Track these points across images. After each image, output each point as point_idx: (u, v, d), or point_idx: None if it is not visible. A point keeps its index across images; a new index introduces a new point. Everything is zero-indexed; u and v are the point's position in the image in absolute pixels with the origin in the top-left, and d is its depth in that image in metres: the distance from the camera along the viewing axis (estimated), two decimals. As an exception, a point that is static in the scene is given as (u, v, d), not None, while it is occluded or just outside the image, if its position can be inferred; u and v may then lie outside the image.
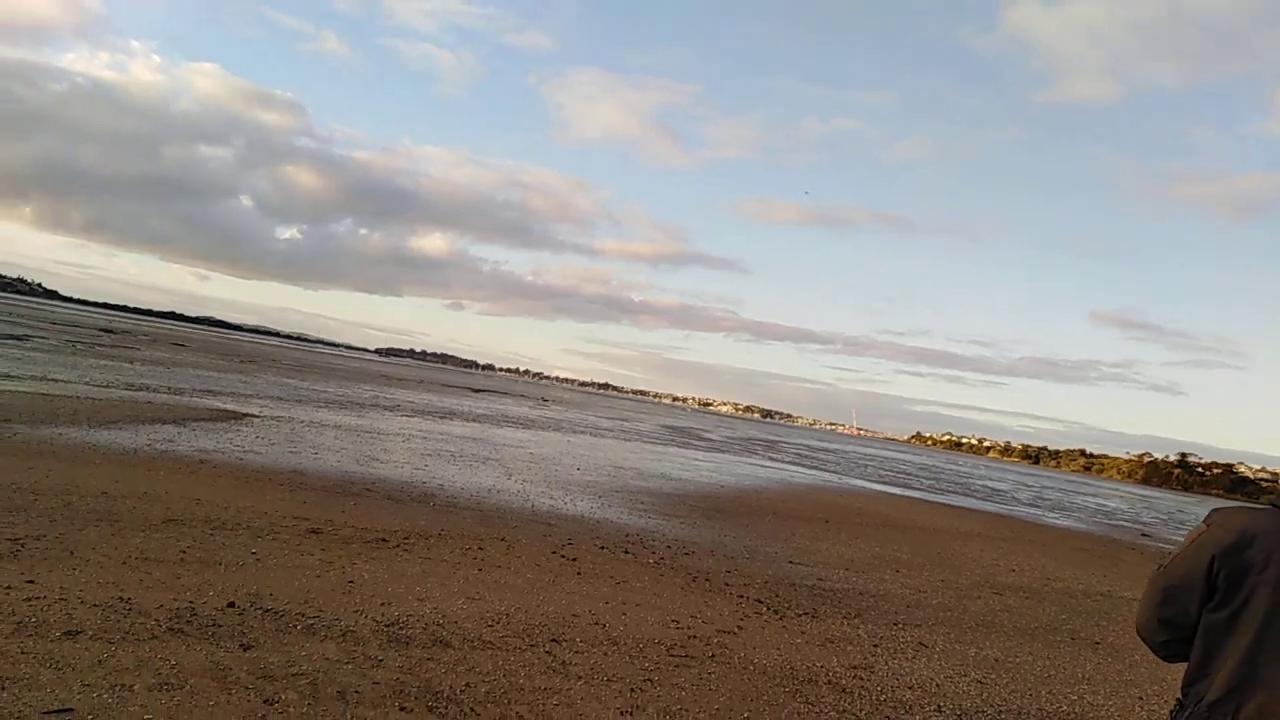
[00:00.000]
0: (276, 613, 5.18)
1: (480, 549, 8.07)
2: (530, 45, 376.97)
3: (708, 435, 55.07)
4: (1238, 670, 1.97)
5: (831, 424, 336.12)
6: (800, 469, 33.80)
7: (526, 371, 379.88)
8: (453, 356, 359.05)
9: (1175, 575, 2.12)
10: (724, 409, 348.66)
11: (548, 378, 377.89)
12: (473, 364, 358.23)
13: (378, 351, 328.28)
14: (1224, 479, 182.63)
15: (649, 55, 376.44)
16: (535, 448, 22.27)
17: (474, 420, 29.71)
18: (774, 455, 41.90)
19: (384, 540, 7.77)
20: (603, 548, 9.29)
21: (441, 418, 28.11)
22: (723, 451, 37.78)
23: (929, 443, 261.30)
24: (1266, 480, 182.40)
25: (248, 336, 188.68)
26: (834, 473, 34.86)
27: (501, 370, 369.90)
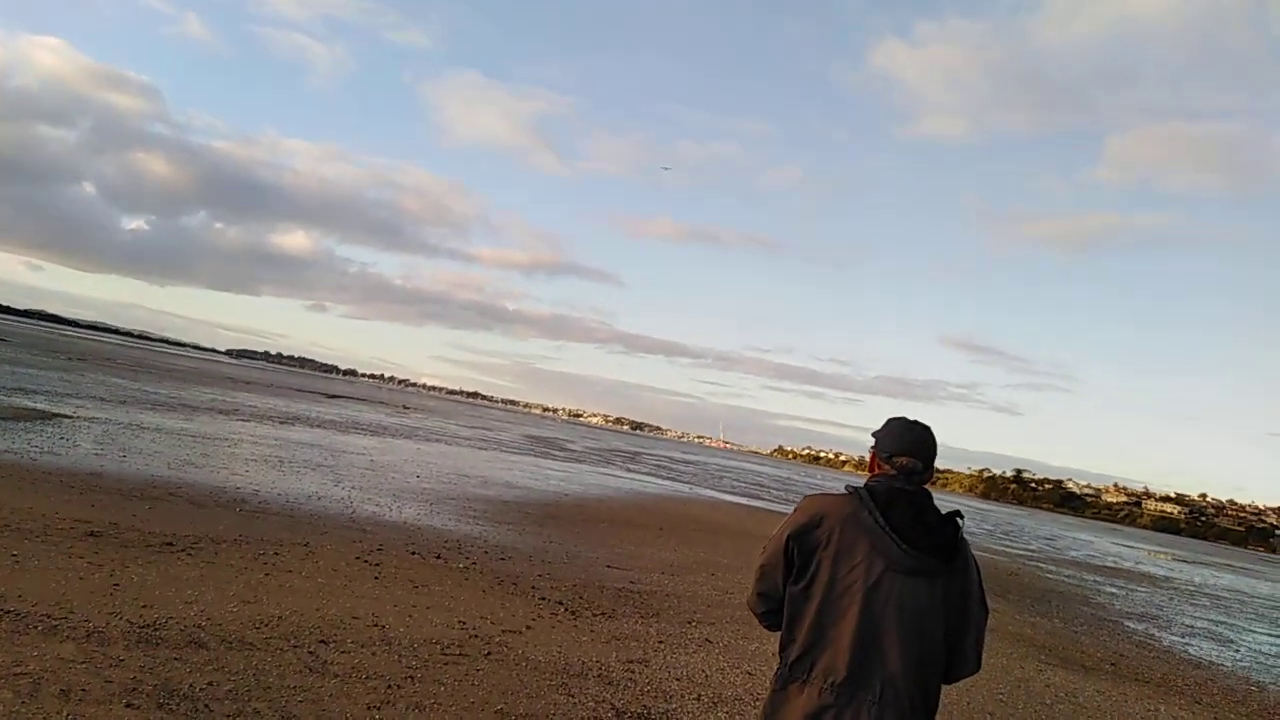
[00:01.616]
0: (18, 614, 4.92)
1: (276, 554, 7.87)
2: (409, 43, 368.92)
3: (570, 446, 55.12)
4: (810, 633, 2.28)
5: (700, 437, 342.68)
6: (655, 480, 34.34)
7: (392, 378, 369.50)
8: (312, 360, 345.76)
9: (766, 556, 2.45)
10: (594, 420, 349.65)
11: (414, 385, 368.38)
12: (333, 369, 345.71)
13: (228, 353, 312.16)
14: (1054, 493, 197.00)
15: (532, 66, 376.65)
16: (379, 455, 21.76)
17: (318, 426, 28.70)
18: (632, 466, 42.38)
19: (169, 545, 7.47)
20: (414, 553, 9.22)
21: (282, 423, 27.03)
22: (580, 462, 37.92)
23: (790, 456, 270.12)
24: (1090, 495, 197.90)
25: (82, 332, 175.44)
26: (687, 484, 35.60)
27: (365, 376, 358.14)
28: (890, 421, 2.52)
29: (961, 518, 2.35)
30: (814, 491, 2.60)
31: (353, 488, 14.17)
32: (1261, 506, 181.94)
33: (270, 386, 62.63)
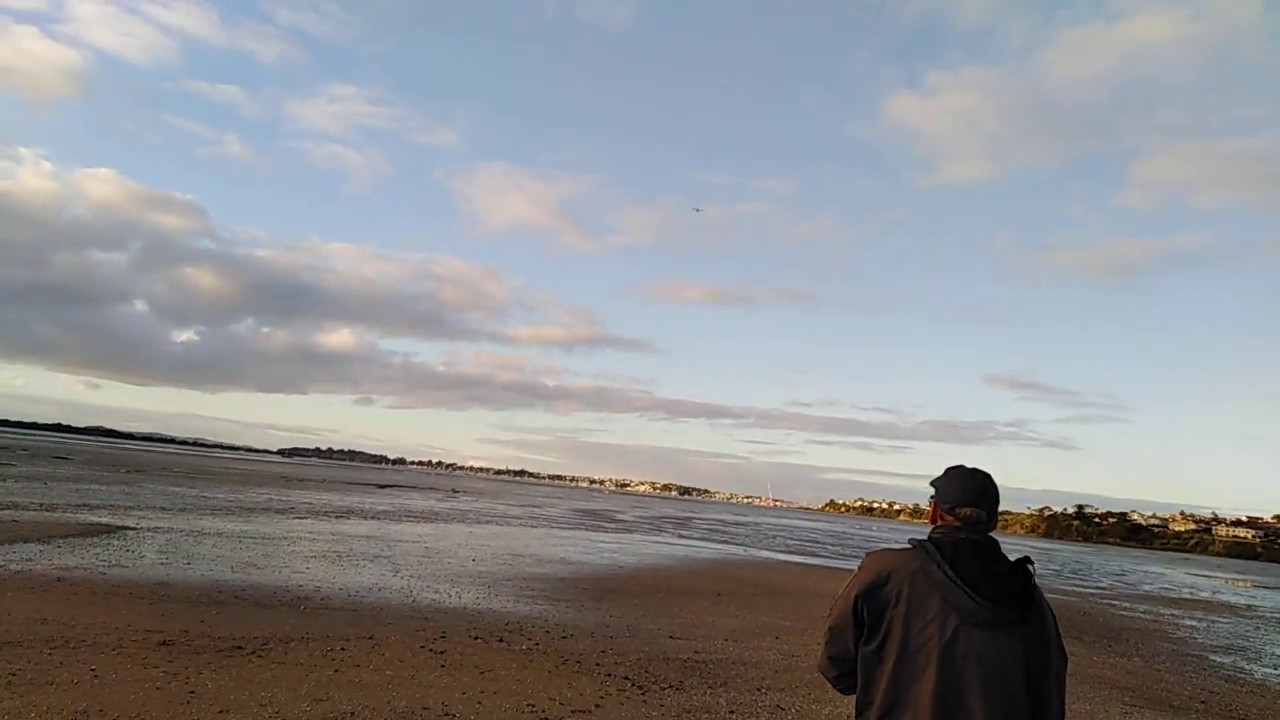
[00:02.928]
0: (103, 730, 5.06)
1: (343, 649, 7.96)
2: (438, 143, 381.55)
3: (620, 516, 54.84)
4: (888, 694, 2.24)
5: (748, 497, 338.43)
6: (708, 544, 33.99)
7: (439, 463, 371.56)
8: (361, 453, 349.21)
9: (835, 618, 2.42)
10: (641, 489, 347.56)
11: (461, 468, 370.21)
12: (382, 459, 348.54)
13: (280, 452, 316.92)
14: (1119, 527, 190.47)
15: (555, 150, 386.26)
16: (432, 541, 21.88)
17: (372, 518, 28.99)
18: (684, 532, 42.01)
19: (239, 648, 7.60)
20: (476, 638, 9.26)
21: (337, 517, 27.35)
22: (631, 532, 37.69)
23: (842, 510, 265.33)
24: (1157, 526, 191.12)
25: (139, 445, 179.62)
26: (741, 545, 35.18)
27: (413, 464, 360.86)
28: (950, 471, 2.49)
29: (1032, 564, 2.32)
30: (874, 547, 2.60)
31: (411, 576, 14.27)
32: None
33: (323, 482, 63.46)
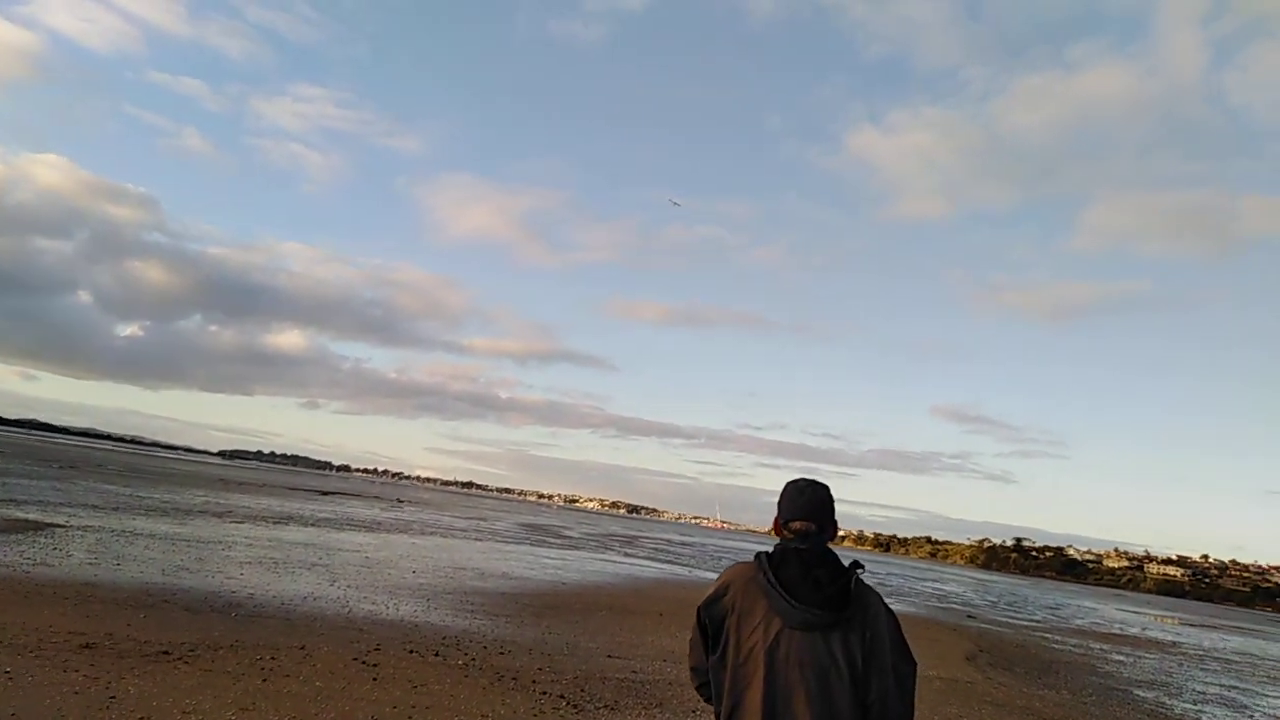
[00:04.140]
0: (15, 735, 4.90)
1: (272, 658, 7.80)
2: (403, 148, 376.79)
3: (566, 532, 54.52)
4: (728, 699, 2.35)
5: (696, 518, 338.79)
6: (653, 564, 33.95)
7: (385, 472, 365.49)
8: (305, 458, 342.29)
9: (691, 632, 2.59)
10: (590, 505, 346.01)
11: (408, 477, 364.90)
12: (327, 465, 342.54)
13: (221, 454, 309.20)
14: (1055, 561, 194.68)
15: (522, 163, 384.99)
16: (373, 551, 21.54)
17: (312, 525, 28.42)
18: (630, 551, 41.90)
19: (166, 653, 7.41)
20: (412, 651, 9.14)
21: (276, 523, 26.78)
22: (577, 549, 37.49)
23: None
24: (1092, 561, 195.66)
25: (74, 440, 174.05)
26: (686, 566, 35.18)
27: (358, 471, 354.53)
28: (786, 486, 2.56)
29: (861, 568, 2.40)
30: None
31: (348, 586, 14.03)
32: (1265, 565, 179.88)
33: (263, 486, 62.10)
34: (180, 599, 10.55)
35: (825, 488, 2.54)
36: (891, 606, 2.42)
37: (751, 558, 2.48)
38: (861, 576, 2.39)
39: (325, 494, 63.34)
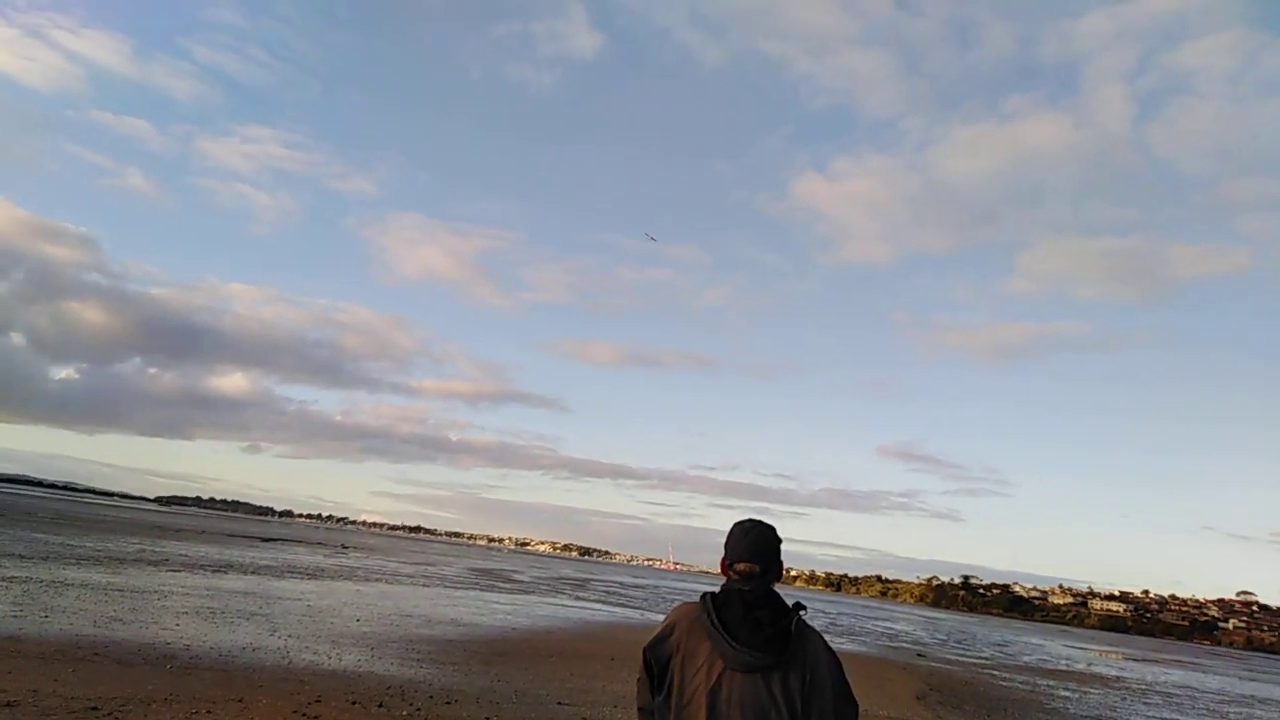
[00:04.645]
0: (-71, 800, 4.65)
1: (209, 712, 7.54)
2: (353, 189, 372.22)
3: (517, 577, 53.70)
4: None
5: (649, 559, 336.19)
6: (605, 607, 33.59)
7: (330, 517, 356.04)
8: (246, 503, 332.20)
9: (638, 673, 2.58)
10: (541, 548, 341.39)
11: (354, 523, 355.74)
12: (268, 511, 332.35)
13: (159, 500, 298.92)
14: (1002, 599, 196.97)
15: (473, 205, 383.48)
16: (316, 599, 20.96)
17: (252, 572, 27.59)
18: (582, 594, 41.41)
19: (94, 709, 7.11)
20: (354, 702, 8.89)
21: (214, 571, 25.94)
22: (528, 593, 36.95)
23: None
24: (1037, 598, 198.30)
25: (2, 487, 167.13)
26: (638, 609, 34.86)
27: (302, 517, 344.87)
28: (733, 527, 2.59)
29: (803, 609, 2.42)
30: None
31: (289, 636, 13.63)
32: (1202, 600, 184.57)
33: (202, 533, 60.22)
34: (112, 652, 10.15)
35: (771, 529, 2.56)
36: (842, 646, 2.47)
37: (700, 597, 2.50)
38: (804, 618, 2.42)
39: (267, 540, 61.59)
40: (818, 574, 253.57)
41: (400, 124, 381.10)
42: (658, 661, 2.45)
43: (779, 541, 2.55)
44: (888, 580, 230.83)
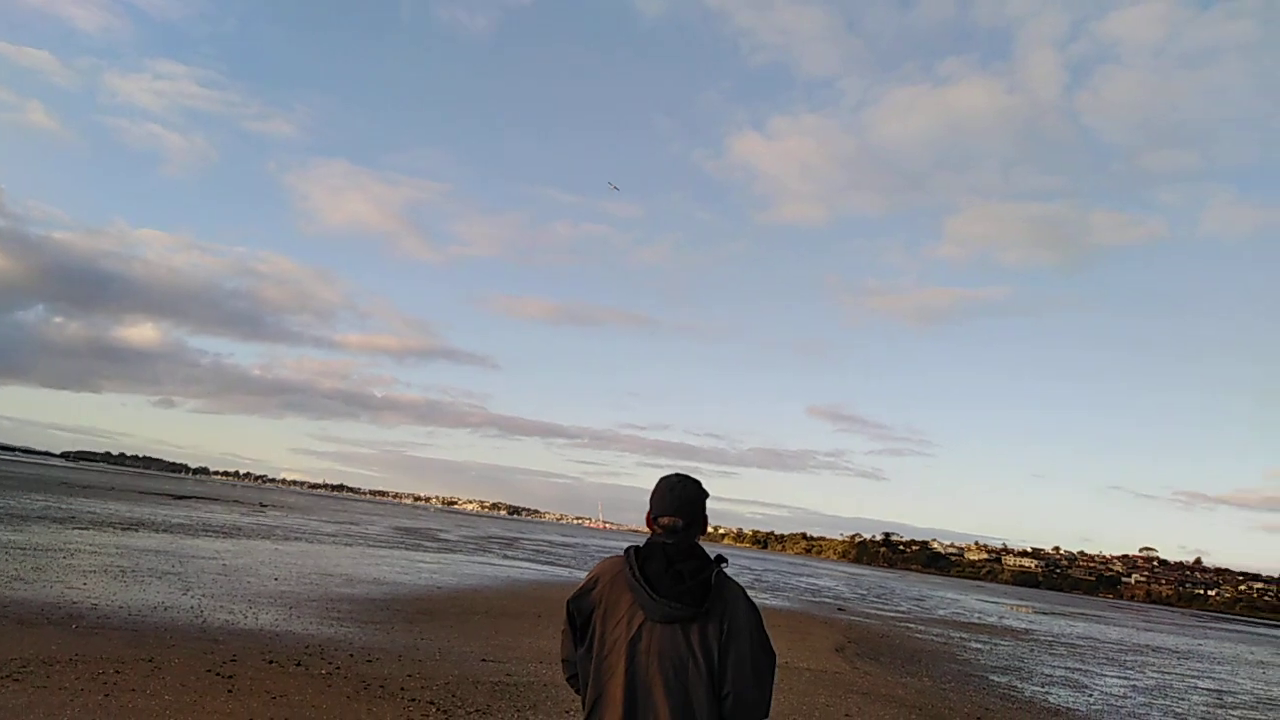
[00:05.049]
0: None
1: (117, 672, 7.24)
2: (274, 132, 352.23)
3: (443, 535, 53.42)
4: (592, 692, 2.39)
5: (579, 518, 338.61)
6: (533, 565, 33.70)
7: (248, 474, 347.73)
8: (158, 460, 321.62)
9: (562, 625, 2.61)
10: (469, 507, 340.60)
11: (273, 480, 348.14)
12: (182, 468, 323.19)
13: (65, 455, 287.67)
14: (921, 555, 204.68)
15: (402, 153, 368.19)
16: (232, 558, 20.43)
17: (165, 531, 26.75)
18: (510, 553, 41.46)
19: (-11, 672, 6.76)
20: (271, 661, 8.67)
21: (125, 529, 25.07)
22: (455, 552, 36.79)
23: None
24: (954, 554, 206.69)
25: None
26: (566, 567, 35.08)
27: (218, 474, 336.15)
28: (659, 482, 2.58)
29: (724, 562, 2.43)
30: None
31: (203, 595, 13.24)
32: (1108, 555, 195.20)
33: (111, 490, 58.22)
34: (12, 611, 9.68)
35: (696, 484, 2.56)
36: (766, 602, 2.45)
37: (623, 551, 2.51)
38: (725, 570, 2.43)
39: (180, 498, 59.93)
40: (745, 532, 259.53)
41: (322, 62, 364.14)
42: (580, 613, 2.48)
43: (704, 496, 2.56)
44: (813, 538, 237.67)
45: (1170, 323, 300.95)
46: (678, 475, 2.58)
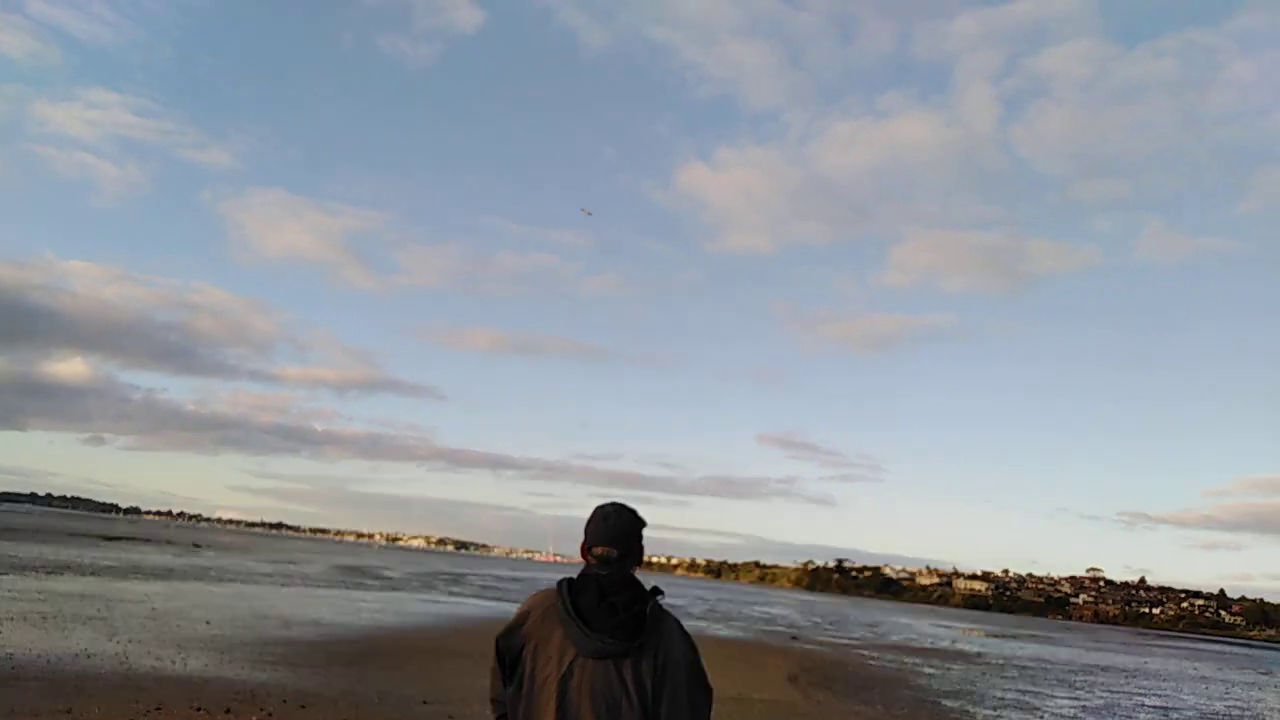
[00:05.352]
0: None
1: (22, 729, 6.71)
2: (210, 161, 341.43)
3: (386, 573, 52.10)
4: None
5: (528, 551, 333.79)
6: (480, 601, 33.03)
7: (182, 514, 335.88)
8: (87, 500, 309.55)
9: (491, 663, 2.45)
10: (415, 543, 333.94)
11: (208, 519, 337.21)
12: (113, 507, 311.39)
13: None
14: (874, 580, 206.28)
15: (341, 183, 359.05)
16: (163, 602, 19.51)
17: (92, 574, 25.54)
18: (456, 589, 40.60)
19: (-124, 733, 6.20)
20: (199, 709, 8.16)
21: (48, 573, 23.84)
22: (398, 590, 35.88)
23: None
24: (906, 579, 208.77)
25: None
26: (514, 602, 34.31)
27: (150, 514, 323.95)
28: (593, 512, 2.48)
29: (661, 594, 2.34)
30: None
31: (129, 641, 12.54)
32: (1056, 577, 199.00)
33: (36, 532, 55.76)
34: (-90, 666, 9.00)
35: (631, 513, 2.45)
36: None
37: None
38: (661, 602, 2.33)
39: (110, 539, 57.63)
40: (699, 561, 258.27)
41: (261, 91, 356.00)
42: (510, 650, 2.33)
43: (640, 525, 2.45)
44: (766, 566, 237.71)
45: (1105, 346, 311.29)
46: (613, 504, 2.47)
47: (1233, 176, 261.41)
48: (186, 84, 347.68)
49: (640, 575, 2.39)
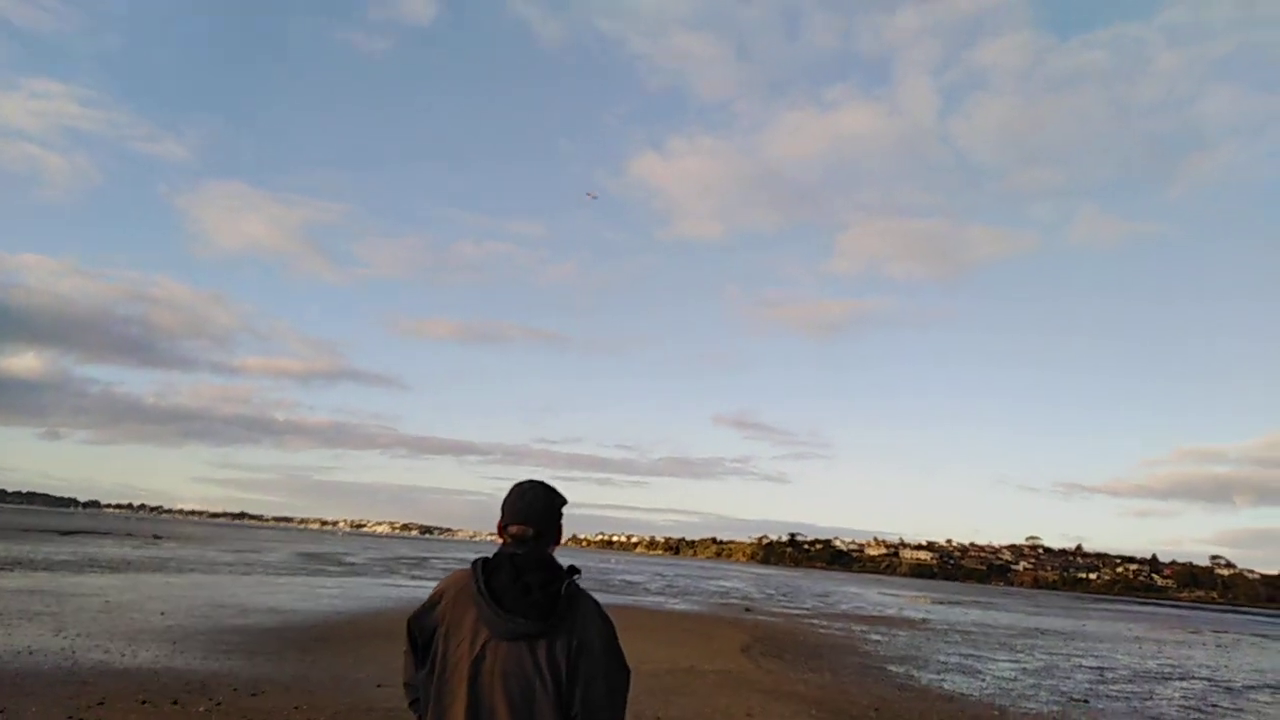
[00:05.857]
0: None
1: (-36, 726, 6.76)
2: (164, 154, 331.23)
3: (349, 559, 51.88)
4: (433, 715, 2.21)
5: (492, 534, 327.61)
6: (440, 584, 32.98)
7: (143, 506, 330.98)
8: (44, 495, 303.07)
9: (404, 646, 2.44)
10: (379, 529, 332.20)
11: (170, 511, 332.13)
12: (71, 501, 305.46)
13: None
14: (825, 553, 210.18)
15: (299, 174, 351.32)
16: (117, 594, 19.35)
17: (45, 569, 25.17)
18: (418, 573, 40.58)
19: None
20: (145, 701, 8.23)
21: (-4, 570, 23.48)
22: (360, 575, 35.81)
23: (584, 544, 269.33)
24: (855, 551, 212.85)
25: None
26: (474, 584, 34.47)
27: (110, 507, 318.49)
28: (510, 489, 2.44)
29: (577, 573, 2.31)
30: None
31: (77, 635, 12.49)
32: (997, 545, 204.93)
33: (-15, 529, 54.49)
34: None
35: (549, 490, 2.42)
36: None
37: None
38: (578, 582, 2.29)
39: (67, 533, 56.62)
40: (658, 539, 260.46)
41: (216, 81, 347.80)
42: (422, 633, 2.31)
43: (559, 503, 2.42)
44: (722, 541, 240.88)
45: (1043, 327, 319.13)
46: (530, 481, 2.43)
47: (1161, 163, 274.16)
48: (137, 76, 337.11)
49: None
